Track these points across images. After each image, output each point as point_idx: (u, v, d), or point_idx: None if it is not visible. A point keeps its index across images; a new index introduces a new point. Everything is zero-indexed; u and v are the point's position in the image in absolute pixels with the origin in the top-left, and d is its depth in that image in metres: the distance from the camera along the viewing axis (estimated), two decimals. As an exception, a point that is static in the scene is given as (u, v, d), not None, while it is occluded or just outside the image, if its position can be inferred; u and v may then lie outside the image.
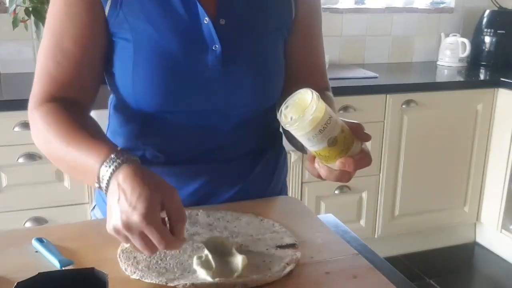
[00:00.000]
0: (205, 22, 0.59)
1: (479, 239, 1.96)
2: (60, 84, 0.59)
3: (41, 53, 0.60)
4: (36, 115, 0.58)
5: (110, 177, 0.48)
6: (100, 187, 0.50)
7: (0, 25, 1.54)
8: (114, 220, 0.46)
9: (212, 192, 0.65)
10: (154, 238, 0.45)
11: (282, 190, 0.74)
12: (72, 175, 0.58)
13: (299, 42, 0.67)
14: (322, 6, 1.92)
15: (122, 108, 0.65)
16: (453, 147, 1.79)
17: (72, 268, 0.49)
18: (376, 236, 1.78)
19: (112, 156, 0.49)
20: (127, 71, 0.59)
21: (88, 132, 0.54)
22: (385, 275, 0.51)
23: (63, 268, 0.49)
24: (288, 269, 0.50)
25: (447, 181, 1.82)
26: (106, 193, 0.49)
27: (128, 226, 0.45)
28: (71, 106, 0.58)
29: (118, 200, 0.46)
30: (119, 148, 0.50)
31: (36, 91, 0.60)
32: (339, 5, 1.96)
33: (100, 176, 0.49)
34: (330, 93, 0.70)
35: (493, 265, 1.85)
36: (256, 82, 0.62)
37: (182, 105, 0.61)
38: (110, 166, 0.48)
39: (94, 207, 0.74)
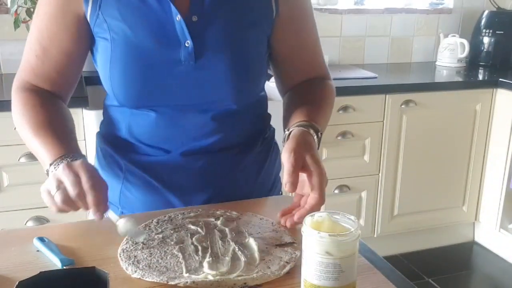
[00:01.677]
0: (177, 19, 0.60)
1: (477, 239, 1.96)
2: (39, 76, 0.65)
3: (27, 42, 0.65)
4: (17, 99, 0.65)
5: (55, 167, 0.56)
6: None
7: (1, 25, 1.54)
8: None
9: (198, 184, 0.66)
10: (83, 176, 0.53)
11: (274, 185, 0.75)
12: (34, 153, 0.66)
13: (290, 38, 0.67)
14: (322, 7, 1.94)
15: (108, 103, 0.69)
16: (452, 147, 1.80)
17: (73, 267, 0.49)
18: (375, 236, 1.79)
19: (58, 160, 0.57)
20: (106, 69, 0.63)
21: (53, 128, 0.61)
22: (384, 274, 0.51)
23: (64, 267, 0.49)
24: (287, 267, 0.51)
25: (446, 181, 1.83)
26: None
27: (56, 176, 0.54)
28: (48, 97, 0.65)
29: (55, 174, 0.55)
30: (69, 154, 0.57)
31: (20, 76, 0.66)
32: (339, 6, 1.97)
33: (50, 170, 0.58)
34: (330, 82, 0.71)
35: (491, 264, 1.85)
36: (232, 77, 0.62)
37: (159, 100, 0.63)
38: (55, 167, 0.57)
39: None
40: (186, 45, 0.61)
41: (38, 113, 0.62)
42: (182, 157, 0.65)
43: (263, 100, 0.73)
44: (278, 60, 0.69)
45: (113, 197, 0.68)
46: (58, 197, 0.54)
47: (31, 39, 0.64)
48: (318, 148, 0.61)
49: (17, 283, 0.40)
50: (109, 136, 0.70)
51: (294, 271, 0.50)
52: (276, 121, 0.74)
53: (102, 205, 0.54)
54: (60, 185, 0.54)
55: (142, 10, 0.60)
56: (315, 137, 0.62)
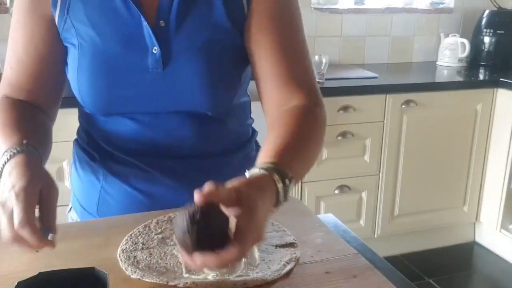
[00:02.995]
0: (145, 25, 0.59)
1: (478, 239, 1.96)
2: (14, 87, 0.63)
3: (6, 57, 0.64)
4: None
5: (3, 165, 0.51)
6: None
7: (0, 25, 1.54)
8: None
9: (178, 191, 0.63)
10: (16, 211, 0.46)
11: None
12: None
13: (264, 43, 0.60)
14: (322, 7, 1.94)
15: (82, 110, 0.67)
16: (452, 147, 1.79)
17: (73, 268, 0.49)
18: (375, 236, 1.78)
19: (12, 148, 0.52)
20: (74, 76, 0.61)
21: (15, 126, 0.57)
22: (385, 275, 0.51)
23: (62, 269, 0.49)
24: (287, 268, 0.50)
25: (446, 181, 1.83)
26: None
27: (2, 201, 0.47)
28: (21, 104, 0.62)
29: (4, 184, 0.49)
30: (24, 141, 0.53)
31: None
32: (339, 6, 1.96)
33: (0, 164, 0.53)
34: (320, 110, 0.62)
35: (492, 264, 1.85)
36: (202, 85, 0.59)
37: (129, 108, 0.61)
38: (6, 155, 0.52)
39: (70, 209, 0.74)
40: (154, 51, 0.59)
41: (4, 115, 0.59)
42: (160, 165, 0.63)
43: (245, 106, 0.69)
44: (255, 70, 0.62)
45: (91, 206, 0.66)
46: (5, 239, 0.48)
47: (8, 53, 0.63)
48: (282, 200, 0.48)
49: (16, 283, 0.39)
50: (85, 144, 0.68)
51: (294, 272, 0.50)
52: (260, 124, 0.69)
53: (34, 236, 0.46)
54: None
55: (110, 15, 0.59)
56: (280, 185, 0.47)
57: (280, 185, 0.47)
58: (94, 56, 0.59)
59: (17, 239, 0.47)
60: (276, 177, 0.47)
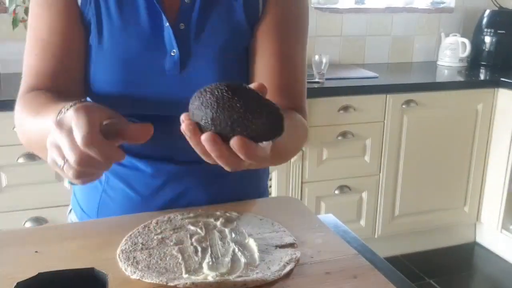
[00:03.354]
0: (166, 26, 0.59)
1: (479, 239, 1.96)
2: (40, 75, 0.59)
3: (25, 51, 0.61)
4: (17, 105, 0.58)
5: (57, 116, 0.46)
6: None
7: (0, 25, 1.54)
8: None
9: (185, 193, 0.63)
10: (78, 126, 0.40)
11: (262, 196, 0.72)
12: (42, 151, 0.52)
13: (267, 48, 0.61)
14: (322, 6, 1.94)
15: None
16: (453, 147, 1.79)
17: (72, 268, 0.49)
18: (376, 236, 1.78)
19: (66, 107, 0.46)
20: (90, 72, 0.60)
21: (51, 101, 0.52)
22: (385, 275, 0.50)
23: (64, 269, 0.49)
24: (287, 268, 0.50)
25: (447, 181, 1.82)
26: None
27: (59, 122, 0.41)
28: (50, 92, 0.57)
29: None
30: (67, 105, 0.46)
31: (21, 88, 0.61)
32: (339, 5, 1.96)
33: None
34: (304, 119, 0.62)
35: (493, 265, 1.84)
36: None
37: (143, 110, 0.60)
38: (60, 112, 0.46)
39: (70, 211, 0.73)
40: (172, 54, 0.59)
41: (37, 98, 0.55)
42: (166, 170, 0.62)
43: None
44: (253, 74, 0.63)
45: (91, 209, 0.66)
46: (69, 172, 0.42)
47: (28, 43, 0.60)
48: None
49: (15, 284, 0.39)
50: None
51: (294, 272, 0.50)
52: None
53: (111, 158, 0.41)
54: (60, 154, 0.42)
55: (132, 14, 0.58)
56: None
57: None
58: (112, 56, 0.58)
59: (83, 161, 0.40)
60: None
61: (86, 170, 0.42)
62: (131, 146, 0.62)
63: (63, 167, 0.42)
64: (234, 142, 0.37)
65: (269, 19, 0.61)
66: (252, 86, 0.41)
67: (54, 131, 0.42)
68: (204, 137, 0.38)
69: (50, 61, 0.59)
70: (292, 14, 0.62)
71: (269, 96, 0.60)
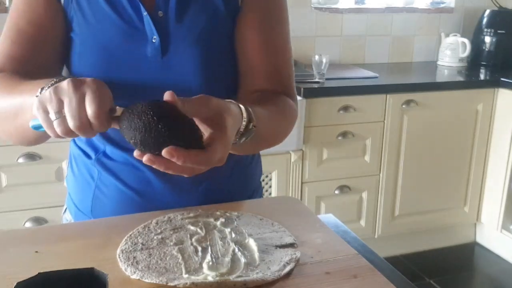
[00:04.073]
0: (145, 14, 0.60)
1: (479, 239, 1.96)
2: (13, 59, 0.61)
3: (1, 39, 0.62)
4: None
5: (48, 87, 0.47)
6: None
7: (0, 25, 1.54)
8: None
9: (176, 186, 0.63)
10: (91, 96, 0.43)
11: (255, 193, 0.72)
12: (14, 126, 0.55)
13: (251, 36, 0.63)
14: (322, 6, 1.94)
15: None
16: (453, 147, 1.79)
17: (72, 268, 0.49)
18: (376, 236, 1.78)
19: (50, 82, 0.48)
20: (74, 60, 0.61)
21: (33, 79, 0.53)
22: (385, 275, 0.50)
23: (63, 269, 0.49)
24: (287, 268, 0.50)
25: (447, 181, 1.82)
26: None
27: (74, 80, 0.44)
28: (15, 74, 0.58)
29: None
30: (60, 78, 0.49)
31: None
32: (339, 5, 1.96)
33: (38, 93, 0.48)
34: (292, 102, 0.64)
35: (493, 265, 1.84)
36: (200, 74, 0.61)
37: (127, 98, 0.59)
38: (51, 85, 0.47)
39: (65, 211, 0.73)
40: (153, 40, 0.60)
41: (12, 78, 0.56)
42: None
43: None
44: (239, 60, 0.64)
45: (85, 205, 0.66)
46: (58, 128, 0.44)
47: (7, 26, 0.62)
48: (239, 138, 0.52)
49: (15, 284, 0.39)
50: (81, 141, 0.67)
51: (294, 272, 0.50)
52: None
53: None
54: (60, 109, 0.44)
55: (112, 4, 0.60)
56: (243, 109, 0.51)
57: (243, 109, 0.51)
58: (94, 45, 0.60)
59: (82, 128, 0.43)
60: (245, 113, 0.51)
61: (74, 134, 0.45)
62: (121, 140, 0.62)
63: (53, 120, 0.44)
64: (164, 153, 0.42)
65: (251, 6, 0.63)
66: (165, 98, 0.44)
67: (63, 85, 0.44)
68: (144, 159, 0.42)
69: (22, 47, 0.61)
70: (271, 2, 0.64)
71: (258, 82, 0.63)
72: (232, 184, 0.68)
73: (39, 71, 0.60)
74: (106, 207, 0.64)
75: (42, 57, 0.62)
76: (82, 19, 0.61)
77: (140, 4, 0.60)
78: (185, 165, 0.42)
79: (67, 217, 0.72)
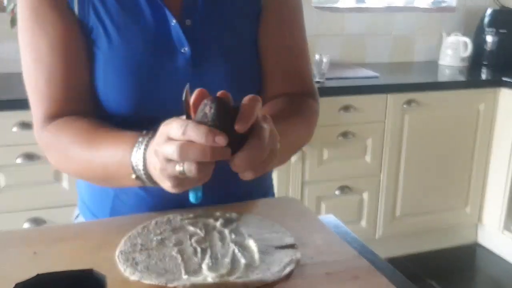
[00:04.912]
0: (173, 24, 0.57)
1: (480, 240, 1.95)
2: (58, 101, 0.57)
3: (26, 75, 0.58)
4: (46, 137, 0.56)
5: (144, 157, 0.46)
6: (137, 177, 0.48)
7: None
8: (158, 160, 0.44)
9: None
10: (196, 131, 0.41)
11: (269, 190, 0.72)
12: (106, 180, 0.55)
13: (271, 39, 0.62)
14: (323, 5, 1.93)
15: (96, 112, 0.62)
16: (454, 147, 1.79)
17: (70, 269, 0.49)
18: (377, 237, 1.78)
19: (140, 139, 0.47)
20: (98, 79, 0.58)
21: (105, 129, 0.53)
22: (386, 276, 0.50)
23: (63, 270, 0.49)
24: (288, 269, 0.50)
25: (448, 182, 1.82)
26: (147, 179, 0.47)
27: (159, 152, 0.43)
28: (80, 117, 0.57)
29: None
30: (144, 132, 0.48)
31: (37, 115, 0.58)
32: (340, 4, 1.96)
33: (134, 163, 0.47)
34: (314, 102, 0.63)
35: (494, 266, 1.84)
36: (229, 81, 0.60)
37: (155, 111, 0.58)
38: (139, 148, 0.47)
39: (77, 216, 0.72)
40: (183, 51, 0.58)
41: (78, 130, 0.53)
42: None
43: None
44: (262, 64, 0.63)
45: (103, 214, 0.65)
46: (192, 172, 0.42)
47: (29, 66, 0.56)
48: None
49: (14, 285, 0.39)
50: None
51: (294, 273, 0.50)
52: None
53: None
54: (174, 160, 0.42)
55: (135, 15, 0.57)
56: None
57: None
58: (121, 61, 0.57)
59: (209, 153, 0.41)
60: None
61: (205, 167, 0.42)
62: None
63: (182, 169, 0.42)
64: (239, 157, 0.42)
65: (271, 7, 0.62)
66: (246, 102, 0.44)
67: (163, 137, 0.42)
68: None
69: (61, 85, 0.57)
70: (290, 1, 0.64)
71: (279, 85, 0.63)
72: (249, 183, 0.67)
73: (79, 106, 0.58)
74: (126, 214, 0.63)
75: (80, 89, 0.58)
76: (102, 32, 0.57)
77: (169, 13, 0.56)
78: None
79: None
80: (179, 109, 0.59)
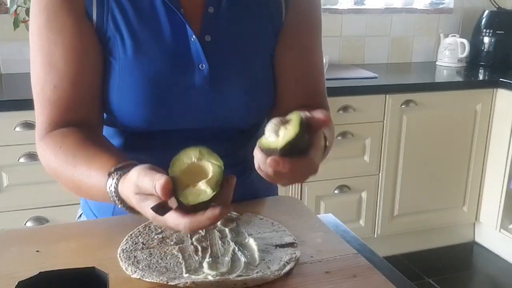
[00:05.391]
0: (192, 40, 0.56)
1: (478, 239, 1.96)
2: (62, 109, 0.56)
3: (34, 78, 0.56)
4: (43, 147, 0.56)
5: (115, 192, 0.47)
6: (116, 203, 0.49)
7: (1, 25, 1.54)
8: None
9: None
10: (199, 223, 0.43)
11: (275, 189, 0.73)
12: (90, 198, 0.56)
13: (289, 56, 0.61)
14: (322, 7, 1.94)
15: (108, 122, 0.61)
16: (452, 147, 1.80)
17: (73, 267, 0.49)
18: (375, 236, 1.79)
19: (112, 169, 0.48)
20: (112, 90, 0.57)
21: (95, 147, 0.53)
22: (385, 275, 0.51)
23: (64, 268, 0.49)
24: (287, 268, 0.50)
25: (446, 181, 1.83)
26: (124, 207, 0.48)
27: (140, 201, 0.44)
28: (78, 129, 0.56)
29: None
30: (120, 161, 0.49)
31: (39, 122, 0.57)
32: (339, 6, 1.97)
33: (108, 191, 0.48)
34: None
35: (492, 264, 1.85)
36: (245, 100, 0.59)
37: (169, 126, 0.58)
38: (112, 182, 0.47)
39: (80, 216, 0.72)
40: (201, 68, 0.56)
41: (71, 145, 0.53)
42: None
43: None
44: (277, 79, 0.63)
45: (106, 216, 0.65)
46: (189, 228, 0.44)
47: (39, 72, 0.55)
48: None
49: (16, 283, 0.39)
50: None
51: (294, 272, 0.50)
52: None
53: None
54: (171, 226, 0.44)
55: (154, 29, 0.55)
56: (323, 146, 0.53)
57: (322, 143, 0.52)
58: (138, 74, 0.55)
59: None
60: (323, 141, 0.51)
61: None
62: (142, 158, 0.57)
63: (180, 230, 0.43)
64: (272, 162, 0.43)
65: (293, 22, 0.61)
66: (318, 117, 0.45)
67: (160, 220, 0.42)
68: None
69: (69, 93, 0.56)
70: (311, 15, 0.63)
71: (294, 101, 0.62)
72: (258, 185, 0.66)
73: (84, 116, 0.57)
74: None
75: (88, 98, 0.57)
76: (120, 43, 0.55)
77: (190, 29, 0.55)
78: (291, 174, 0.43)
79: None
80: (188, 123, 0.58)
